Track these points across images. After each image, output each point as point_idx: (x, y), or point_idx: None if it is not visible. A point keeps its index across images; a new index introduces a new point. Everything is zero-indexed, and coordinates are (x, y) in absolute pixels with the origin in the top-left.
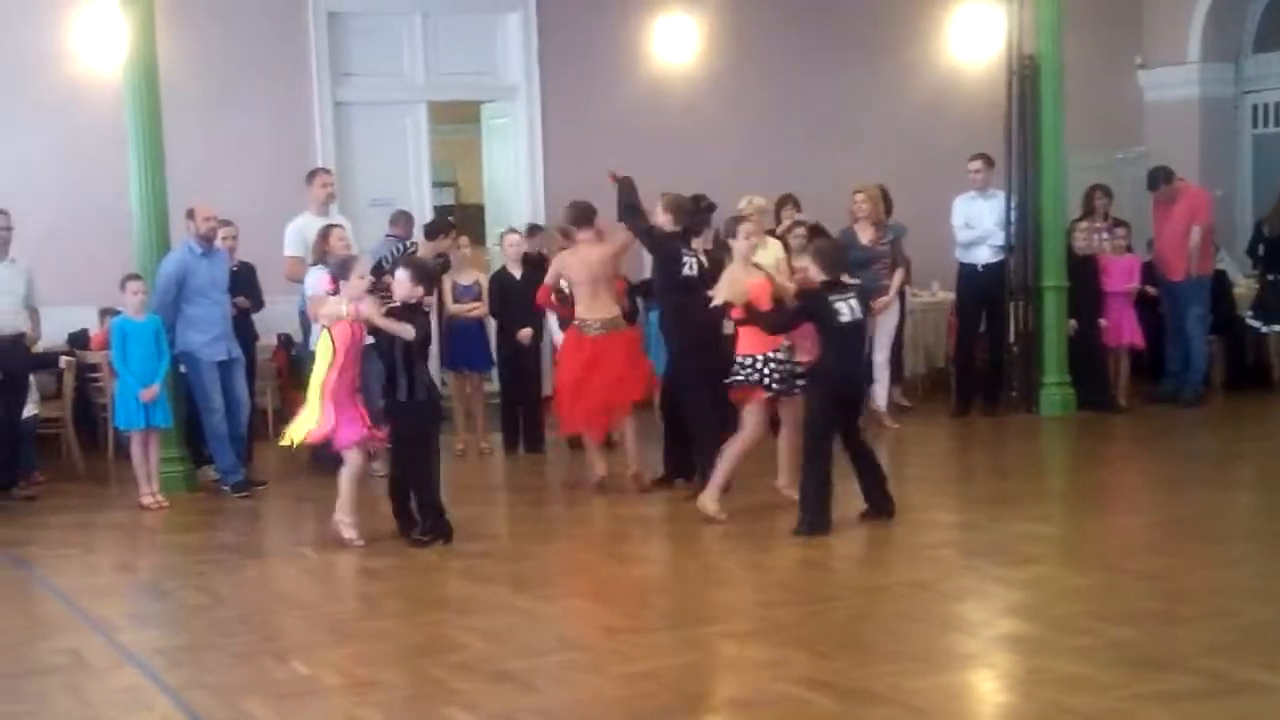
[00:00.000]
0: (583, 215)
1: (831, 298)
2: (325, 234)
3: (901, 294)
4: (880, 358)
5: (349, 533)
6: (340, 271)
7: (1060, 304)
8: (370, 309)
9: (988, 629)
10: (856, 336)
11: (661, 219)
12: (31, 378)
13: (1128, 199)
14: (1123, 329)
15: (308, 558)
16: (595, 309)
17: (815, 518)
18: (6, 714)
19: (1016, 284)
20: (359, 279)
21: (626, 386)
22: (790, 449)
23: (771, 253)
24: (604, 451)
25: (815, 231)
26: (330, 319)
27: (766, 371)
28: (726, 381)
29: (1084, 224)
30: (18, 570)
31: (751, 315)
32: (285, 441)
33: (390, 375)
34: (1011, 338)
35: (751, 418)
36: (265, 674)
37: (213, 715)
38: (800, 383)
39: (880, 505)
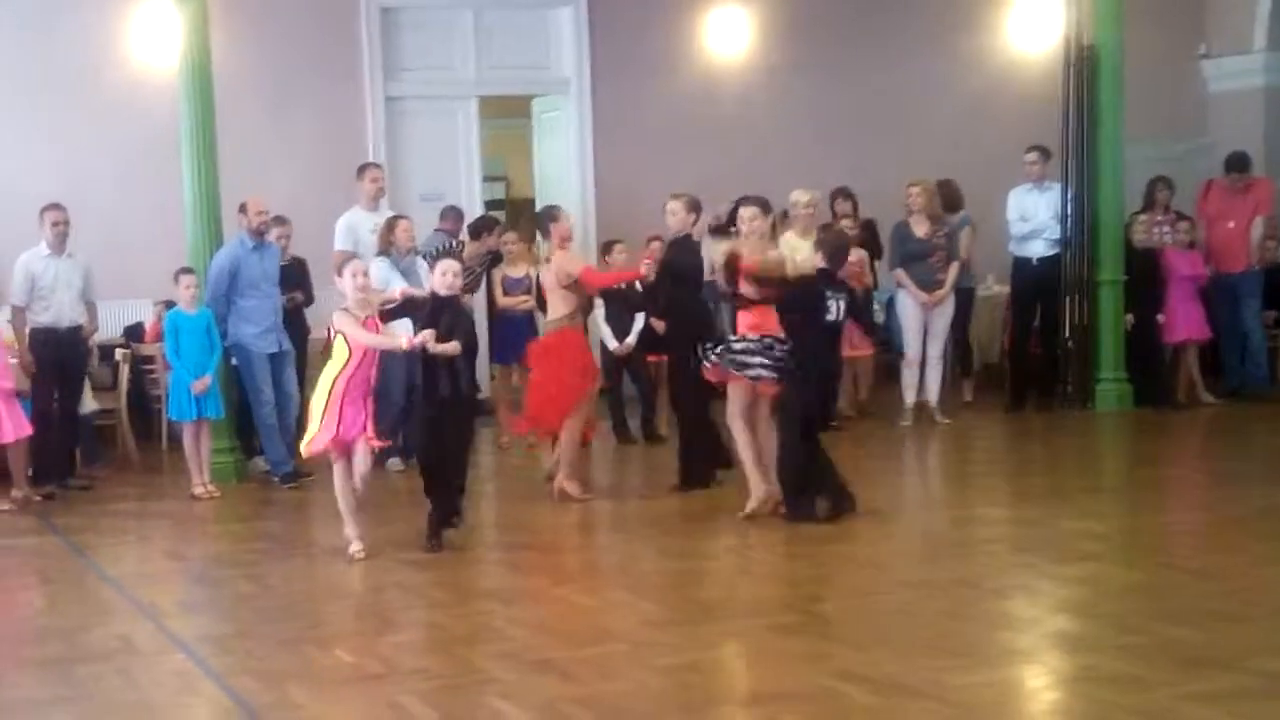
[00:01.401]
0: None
1: (827, 292)
2: (392, 225)
3: (970, 288)
4: (934, 352)
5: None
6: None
7: (1117, 298)
8: (432, 342)
9: (1036, 626)
10: (835, 337)
11: (686, 218)
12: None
13: (1190, 192)
14: (1188, 323)
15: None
16: (550, 311)
17: (799, 503)
18: (60, 697)
19: (1072, 278)
20: (351, 276)
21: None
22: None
23: None
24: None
25: (866, 227)
26: (368, 340)
27: (750, 358)
28: (706, 361)
29: (1144, 217)
30: (74, 557)
31: (751, 278)
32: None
33: (430, 372)
34: (1067, 332)
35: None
36: (309, 661)
37: (257, 700)
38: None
39: (841, 503)
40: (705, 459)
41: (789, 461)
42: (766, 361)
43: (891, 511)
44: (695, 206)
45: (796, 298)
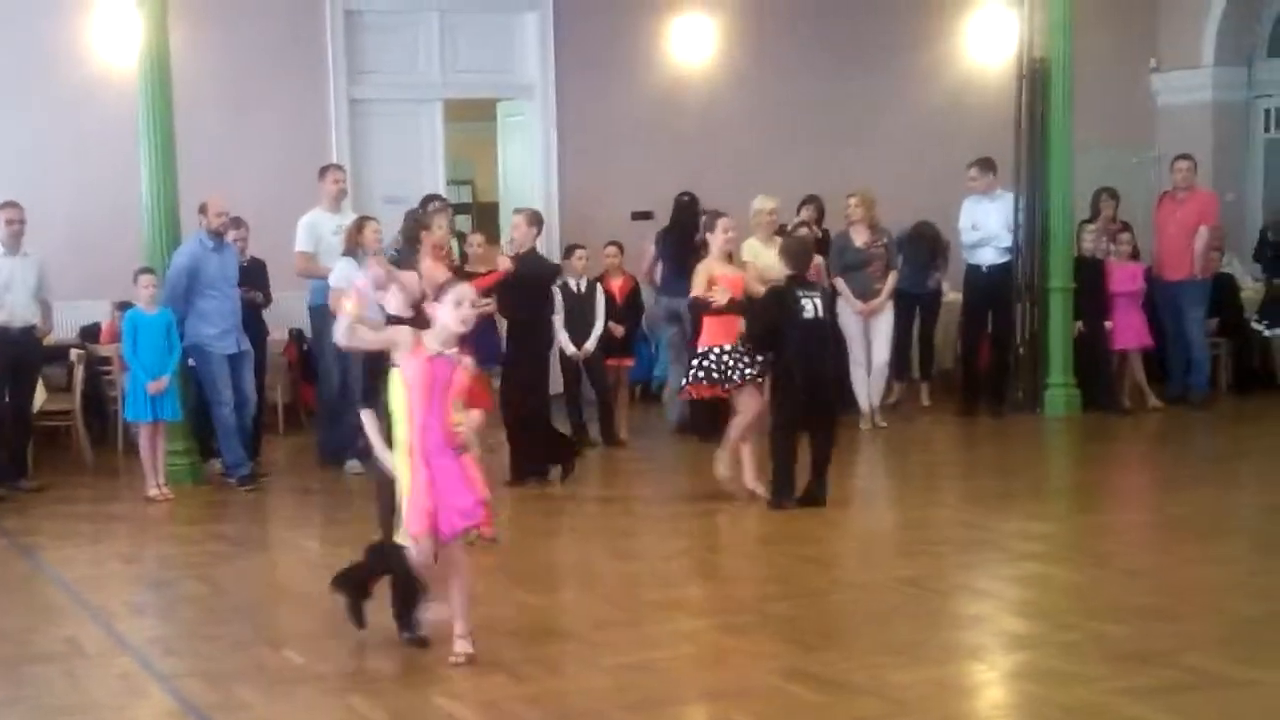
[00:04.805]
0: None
1: (799, 293)
2: (360, 226)
3: (936, 293)
4: (879, 359)
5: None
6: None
7: (1066, 305)
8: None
9: (977, 624)
10: (819, 335)
11: (525, 232)
12: None
13: (1140, 202)
14: (1130, 332)
15: (309, 550)
16: None
17: (783, 492)
18: (5, 699)
19: (1023, 285)
20: (455, 305)
21: None
22: (751, 444)
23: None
24: None
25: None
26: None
27: (730, 364)
28: (688, 381)
29: (1092, 226)
30: (24, 560)
31: (732, 306)
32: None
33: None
34: (1018, 339)
35: (745, 399)
36: (258, 662)
37: (204, 701)
38: (750, 371)
39: (814, 493)
40: (541, 455)
41: (779, 455)
42: (745, 362)
43: (844, 513)
44: (536, 220)
45: (767, 306)
